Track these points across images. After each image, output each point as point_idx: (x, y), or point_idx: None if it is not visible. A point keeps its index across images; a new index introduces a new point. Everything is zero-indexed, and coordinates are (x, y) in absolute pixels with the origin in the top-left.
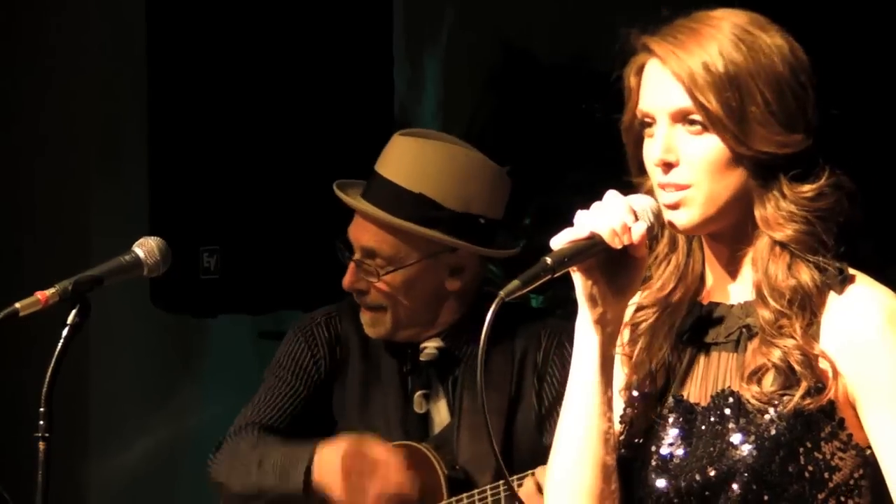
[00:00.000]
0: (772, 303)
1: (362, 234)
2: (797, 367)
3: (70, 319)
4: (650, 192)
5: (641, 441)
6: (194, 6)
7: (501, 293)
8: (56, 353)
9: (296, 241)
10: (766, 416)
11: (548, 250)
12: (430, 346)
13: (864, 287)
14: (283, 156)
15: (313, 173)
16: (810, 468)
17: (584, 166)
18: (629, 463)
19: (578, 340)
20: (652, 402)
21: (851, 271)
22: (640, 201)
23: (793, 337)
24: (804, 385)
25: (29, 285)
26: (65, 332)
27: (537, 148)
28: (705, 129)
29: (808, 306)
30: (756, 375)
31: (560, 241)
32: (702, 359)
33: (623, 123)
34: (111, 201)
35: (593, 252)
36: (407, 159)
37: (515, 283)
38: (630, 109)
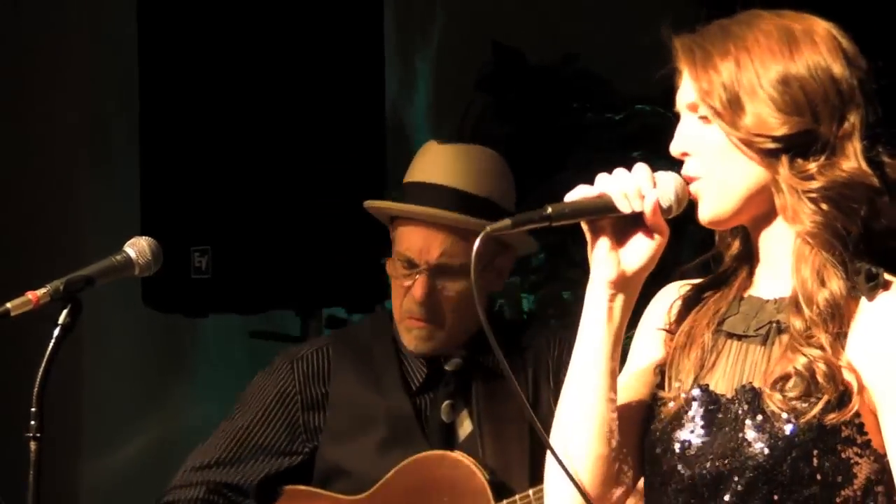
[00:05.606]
0: (805, 311)
1: (433, 243)
2: (820, 379)
3: (61, 319)
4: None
5: (664, 426)
6: (185, 5)
7: (488, 228)
8: (47, 353)
9: (287, 241)
10: (783, 418)
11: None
12: (454, 356)
13: (893, 296)
14: (274, 156)
15: (305, 173)
16: (824, 471)
17: (575, 165)
18: (653, 446)
19: (587, 300)
20: (682, 388)
21: (887, 276)
22: (666, 176)
23: (820, 347)
24: (825, 398)
25: (20, 285)
26: (56, 332)
27: (528, 147)
28: (709, 118)
29: (836, 316)
30: (780, 383)
31: (572, 196)
32: (732, 350)
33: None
34: (102, 201)
35: (599, 212)
36: (457, 164)
37: (506, 221)
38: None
